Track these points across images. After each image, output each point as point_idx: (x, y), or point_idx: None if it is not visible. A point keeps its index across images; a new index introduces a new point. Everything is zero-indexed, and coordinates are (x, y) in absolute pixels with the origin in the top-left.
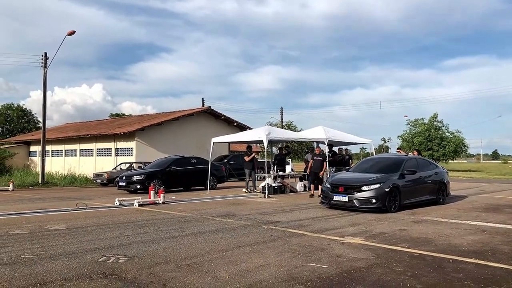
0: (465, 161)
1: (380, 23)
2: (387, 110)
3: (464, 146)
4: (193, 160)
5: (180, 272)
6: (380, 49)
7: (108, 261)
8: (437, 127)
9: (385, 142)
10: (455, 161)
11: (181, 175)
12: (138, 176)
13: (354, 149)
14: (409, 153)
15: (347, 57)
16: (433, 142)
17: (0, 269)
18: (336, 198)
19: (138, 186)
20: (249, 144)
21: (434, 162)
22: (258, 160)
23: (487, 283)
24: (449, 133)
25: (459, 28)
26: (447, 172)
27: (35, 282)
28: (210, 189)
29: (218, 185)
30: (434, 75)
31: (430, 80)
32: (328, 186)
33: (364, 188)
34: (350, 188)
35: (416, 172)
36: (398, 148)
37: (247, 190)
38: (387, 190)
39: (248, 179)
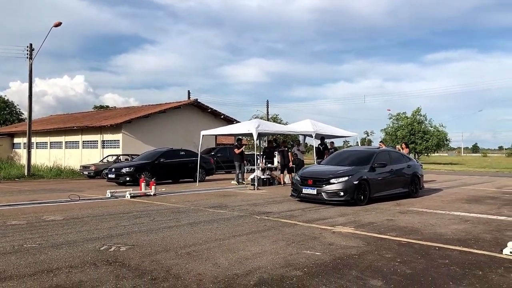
0: (446, 154)
1: (365, 17)
2: (371, 104)
3: (447, 140)
4: (182, 153)
5: (181, 260)
6: (364, 42)
7: (110, 250)
8: (420, 121)
9: (368, 135)
10: (436, 154)
11: (170, 168)
12: (127, 168)
13: (338, 142)
14: (397, 147)
15: (332, 51)
16: (416, 135)
17: (5, 257)
18: (305, 191)
19: (128, 178)
20: (238, 137)
21: (407, 155)
22: (246, 153)
23: (471, 267)
24: (432, 127)
25: (443, 23)
26: (421, 165)
27: (42, 269)
28: (199, 181)
29: (207, 178)
30: (418, 69)
31: (414, 74)
32: (298, 178)
33: (333, 180)
34: (318, 180)
35: (387, 165)
36: (380, 142)
37: (237, 182)
38: (355, 183)
39: (238, 171)
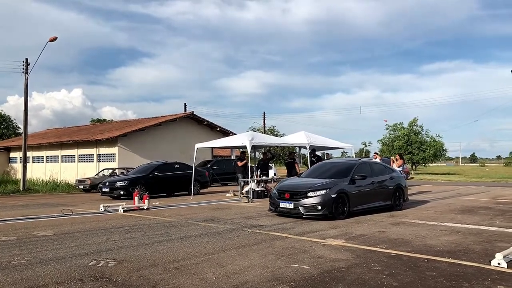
0: (444, 164)
1: (361, 28)
2: (368, 115)
3: (444, 150)
4: (177, 166)
5: (169, 275)
6: (361, 54)
7: (98, 265)
8: (417, 131)
9: (365, 146)
10: (434, 164)
11: (165, 181)
12: (121, 182)
13: (336, 153)
14: (391, 158)
15: (329, 62)
16: (413, 146)
17: None
18: (282, 205)
19: (122, 192)
20: (243, 150)
21: (389, 166)
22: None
23: (458, 280)
24: (429, 137)
25: (438, 33)
26: (405, 177)
27: (27, 286)
28: (193, 194)
29: (202, 191)
30: (414, 79)
31: (410, 85)
32: (275, 192)
33: (310, 194)
34: (296, 194)
35: (367, 177)
36: (375, 153)
37: (241, 194)
38: (333, 196)
39: (242, 184)
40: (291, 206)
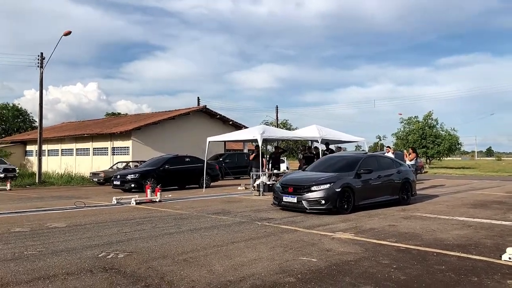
0: (460, 158)
1: (376, 22)
2: (382, 108)
3: (459, 144)
4: (187, 159)
5: (177, 266)
6: (375, 47)
7: (107, 257)
8: (431, 125)
9: (380, 140)
10: (449, 158)
11: (175, 174)
12: (132, 175)
13: (350, 147)
14: (404, 151)
15: (343, 56)
16: (427, 140)
17: (5, 264)
18: (286, 199)
19: (133, 185)
20: (257, 144)
21: (398, 160)
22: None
23: (467, 274)
24: (443, 131)
25: (455, 26)
26: (413, 171)
27: (39, 276)
28: (204, 187)
29: (214, 184)
30: (430, 73)
31: (426, 78)
32: (279, 186)
33: (314, 188)
34: (299, 188)
35: (373, 171)
36: (387, 147)
37: (252, 188)
38: (338, 190)
39: (254, 177)
40: (294, 200)
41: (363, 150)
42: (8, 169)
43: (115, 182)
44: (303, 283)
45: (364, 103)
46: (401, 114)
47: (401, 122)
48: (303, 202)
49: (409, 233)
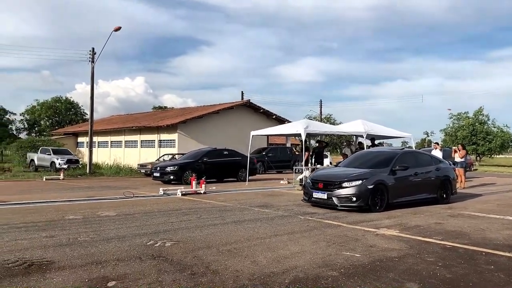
0: None
1: (425, 13)
2: (430, 103)
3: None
4: (225, 152)
5: (222, 256)
6: (423, 39)
7: (155, 245)
8: (482, 121)
9: (427, 135)
10: (501, 156)
11: (213, 167)
12: (171, 167)
13: (396, 143)
14: (453, 148)
15: (389, 48)
16: (478, 136)
17: (61, 249)
18: (316, 195)
19: (172, 177)
20: (318, 139)
21: (438, 156)
22: (297, 153)
23: None
24: (495, 127)
25: (509, 18)
26: (454, 168)
27: (91, 261)
28: (242, 180)
29: (255, 177)
30: (482, 66)
31: (476, 72)
32: (309, 181)
33: (345, 184)
34: (329, 184)
35: (409, 168)
36: (435, 143)
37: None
38: (370, 187)
39: (298, 172)
40: (325, 196)
41: (409, 146)
42: (71, 159)
43: (155, 174)
44: (346, 277)
45: (410, 98)
46: (450, 110)
47: (450, 118)
48: (333, 198)
49: (456, 231)
